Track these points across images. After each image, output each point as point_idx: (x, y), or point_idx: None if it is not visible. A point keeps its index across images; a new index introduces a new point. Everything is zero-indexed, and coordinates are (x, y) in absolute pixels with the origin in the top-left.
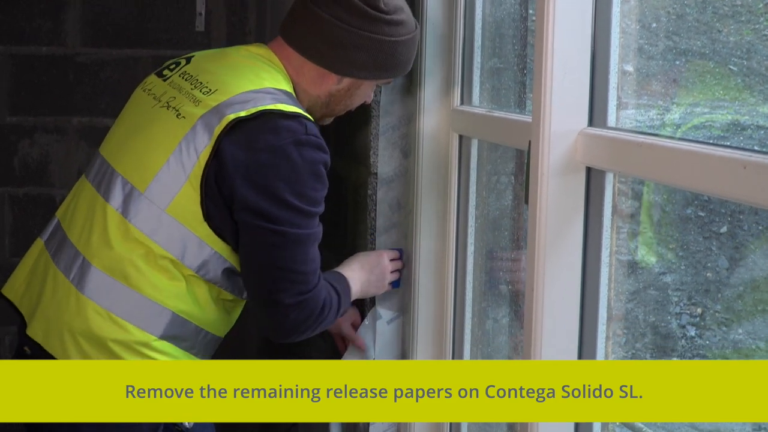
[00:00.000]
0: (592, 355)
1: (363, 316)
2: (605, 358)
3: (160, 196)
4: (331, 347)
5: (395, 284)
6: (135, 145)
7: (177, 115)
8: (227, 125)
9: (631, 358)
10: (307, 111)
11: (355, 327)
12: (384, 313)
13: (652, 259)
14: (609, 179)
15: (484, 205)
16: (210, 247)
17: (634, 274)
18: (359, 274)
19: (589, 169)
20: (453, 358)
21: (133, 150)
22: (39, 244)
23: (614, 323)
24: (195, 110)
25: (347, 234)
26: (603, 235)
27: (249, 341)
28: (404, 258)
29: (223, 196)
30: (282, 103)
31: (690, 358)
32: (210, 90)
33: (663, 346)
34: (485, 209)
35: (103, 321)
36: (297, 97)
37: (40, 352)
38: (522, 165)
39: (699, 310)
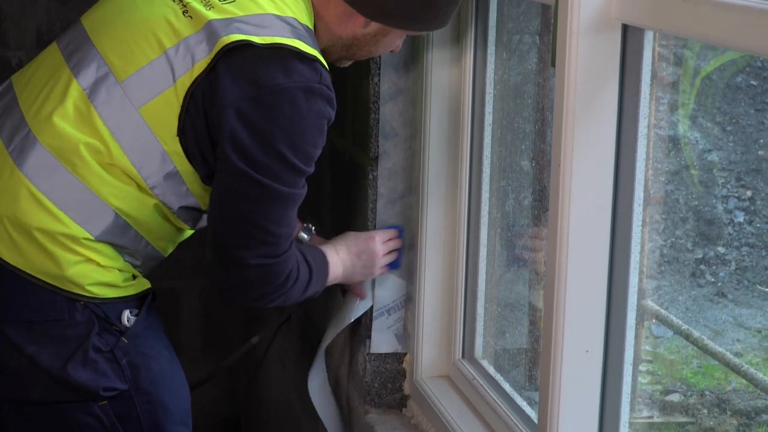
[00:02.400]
0: (627, 242)
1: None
2: (641, 246)
3: (137, 92)
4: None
5: (393, 265)
6: (125, 27)
7: (183, 12)
8: (232, 44)
9: (671, 247)
10: (325, 50)
11: None
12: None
13: (696, 134)
14: (648, 39)
15: (504, 69)
16: (173, 164)
17: (675, 151)
18: (345, 257)
19: (625, 27)
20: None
21: (122, 31)
22: None
23: (652, 207)
24: (206, 12)
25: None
26: (640, 105)
27: None
28: (404, 236)
29: (208, 121)
30: (301, 40)
31: (737, 248)
32: None
33: (707, 234)
34: (505, 73)
35: (34, 206)
36: (316, 33)
37: None
38: (548, 22)
39: (749, 193)
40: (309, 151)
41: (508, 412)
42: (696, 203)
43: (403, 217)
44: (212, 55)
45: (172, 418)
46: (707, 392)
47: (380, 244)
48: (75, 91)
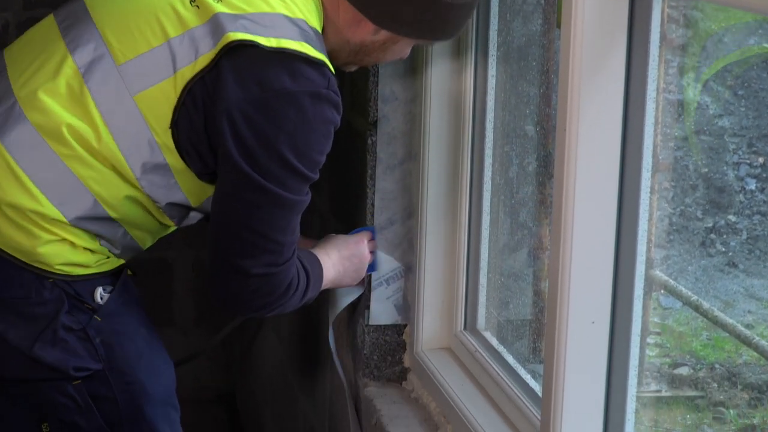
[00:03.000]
0: (635, 210)
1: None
2: (649, 214)
3: (134, 78)
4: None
5: (370, 268)
6: (128, 8)
7: (191, 0)
8: (237, 42)
9: (680, 215)
10: (332, 54)
11: None
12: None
13: (706, 99)
14: (657, 0)
15: (508, 30)
16: (163, 157)
17: (684, 115)
18: (336, 261)
19: None
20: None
21: (124, 12)
22: None
23: (660, 174)
24: (214, 4)
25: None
26: (649, 68)
27: None
28: (376, 237)
29: (207, 119)
30: (309, 43)
31: (749, 216)
32: None
33: (717, 201)
34: (509, 35)
35: (10, 181)
36: (325, 36)
37: None
38: None
39: (761, 160)
40: (314, 158)
41: (511, 385)
42: (706, 170)
43: (403, 184)
44: (216, 51)
45: (151, 399)
46: (717, 365)
47: (367, 248)
48: (69, 69)
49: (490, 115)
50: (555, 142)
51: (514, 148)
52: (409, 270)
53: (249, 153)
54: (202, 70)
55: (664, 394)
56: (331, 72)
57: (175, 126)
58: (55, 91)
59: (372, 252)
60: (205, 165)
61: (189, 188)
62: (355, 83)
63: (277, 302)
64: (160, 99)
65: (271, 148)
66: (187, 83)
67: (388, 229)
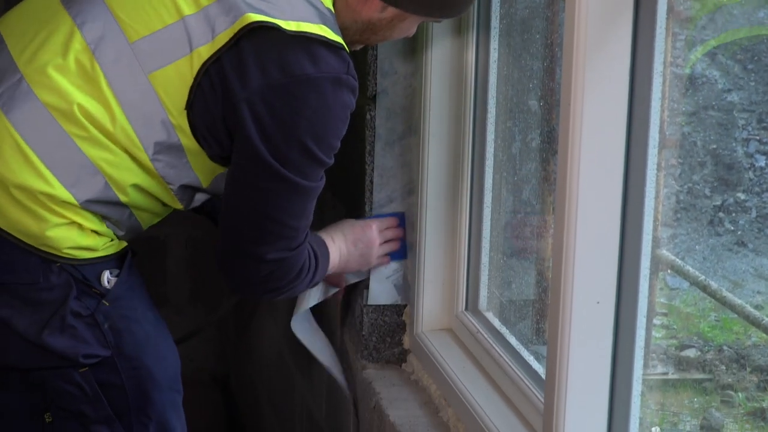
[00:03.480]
0: (641, 187)
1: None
2: (656, 192)
3: (148, 57)
4: None
5: (396, 256)
6: None
7: None
8: (256, 23)
9: (687, 193)
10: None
11: None
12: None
13: (715, 73)
14: None
15: (510, 2)
16: (177, 138)
17: (692, 90)
18: (341, 245)
19: None
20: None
21: None
22: None
23: (667, 150)
24: None
25: None
26: (655, 41)
27: None
28: (405, 224)
29: (225, 101)
30: (327, 25)
31: (758, 194)
32: None
33: (726, 179)
34: (512, 7)
35: (18, 160)
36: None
37: None
38: None
39: None
40: (332, 143)
41: (513, 367)
42: (715, 146)
43: (403, 160)
44: (234, 30)
45: (158, 384)
46: (725, 347)
47: (377, 232)
48: (78, 45)
49: (492, 90)
50: (559, 117)
51: (517, 124)
52: (408, 248)
53: (269, 140)
54: (219, 50)
55: (670, 376)
56: (349, 55)
57: (191, 108)
58: (65, 69)
59: (400, 240)
60: (221, 149)
61: (201, 169)
62: (353, 56)
63: (289, 286)
64: (176, 79)
65: (291, 134)
66: (204, 63)
67: (387, 207)
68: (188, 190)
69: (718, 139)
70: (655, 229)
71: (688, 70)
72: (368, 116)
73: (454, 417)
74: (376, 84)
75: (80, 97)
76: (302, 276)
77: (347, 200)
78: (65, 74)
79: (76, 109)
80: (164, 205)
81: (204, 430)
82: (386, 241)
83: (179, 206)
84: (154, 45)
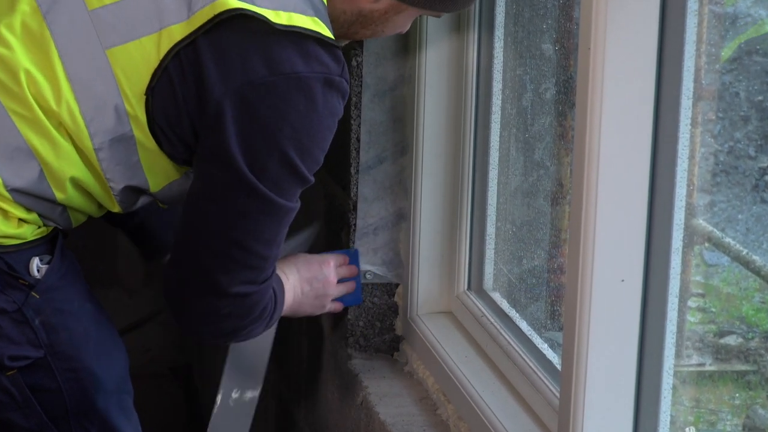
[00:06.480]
0: (673, 147)
1: None
2: (690, 152)
3: (109, 29)
4: None
5: (351, 300)
6: None
7: None
8: (239, 11)
9: (728, 153)
10: None
11: None
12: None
13: (762, 12)
14: None
15: None
16: (130, 126)
17: (733, 31)
18: (296, 283)
19: None
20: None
21: None
22: None
23: (704, 102)
24: None
25: None
26: None
27: None
28: (359, 262)
29: (194, 98)
30: (321, 20)
31: None
32: None
33: None
34: None
35: None
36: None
37: None
38: None
39: None
40: (316, 156)
41: (524, 356)
42: (761, 98)
43: (394, 114)
44: (215, 12)
45: (102, 386)
46: None
47: (335, 269)
48: (26, 6)
49: (498, 31)
50: (577, 63)
51: (528, 71)
52: (401, 218)
53: (247, 146)
54: (195, 32)
55: (707, 368)
56: (342, 55)
57: (151, 93)
58: (11, 28)
59: (354, 279)
60: (185, 148)
61: (153, 170)
62: None
63: (249, 327)
64: (138, 58)
65: (273, 142)
66: (175, 45)
67: (376, 169)
68: (132, 194)
69: (764, 90)
70: (689, 195)
71: (729, 8)
72: (354, 62)
73: (455, 415)
74: None
75: (27, 63)
76: (264, 316)
77: (328, 161)
78: (13, 34)
79: (22, 75)
80: (100, 206)
81: (162, 429)
82: (340, 281)
83: (116, 209)
84: (117, 16)
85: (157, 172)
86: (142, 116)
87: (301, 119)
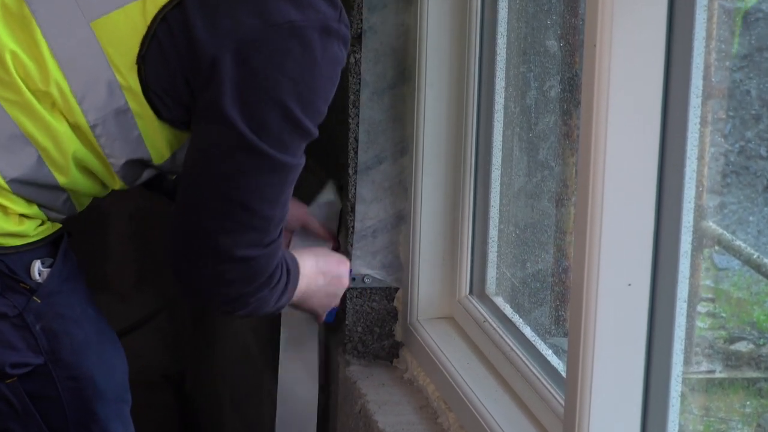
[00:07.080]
0: (681, 146)
1: None
2: (699, 152)
3: (90, 0)
4: None
5: (329, 316)
6: None
7: None
8: None
9: (739, 153)
10: None
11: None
12: None
13: None
14: None
15: None
16: (125, 99)
17: (744, 26)
18: (311, 271)
19: None
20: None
21: None
22: None
23: (714, 101)
24: None
25: None
26: None
27: None
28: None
29: (187, 59)
30: None
31: None
32: None
33: None
34: None
35: None
36: None
37: None
38: None
39: None
40: (320, 108)
41: (528, 363)
42: None
43: (394, 113)
44: None
45: (102, 395)
46: None
47: (348, 273)
48: None
49: (501, 27)
50: (582, 60)
51: (532, 69)
52: (401, 220)
53: (244, 103)
54: None
55: (718, 375)
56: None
57: (143, 61)
58: None
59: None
60: (185, 111)
61: (154, 141)
62: None
63: (256, 294)
64: (125, 27)
65: (271, 96)
66: (162, 8)
67: (375, 169)
68: (135, 168)
69: None
70: (698, 196)
71: (740, 3)
72: (352, 59)
73: (456, 423)
74: (361, 20)
75: (12, 44)
76: (272, 284)
77: (325, 161)
78: None
79: (8, 57)
80: (104, 186)
81: None
82: None
83: (118, 186)
84: None
85: (159, 142)
86: (136, 86)
87: (299, 70)
